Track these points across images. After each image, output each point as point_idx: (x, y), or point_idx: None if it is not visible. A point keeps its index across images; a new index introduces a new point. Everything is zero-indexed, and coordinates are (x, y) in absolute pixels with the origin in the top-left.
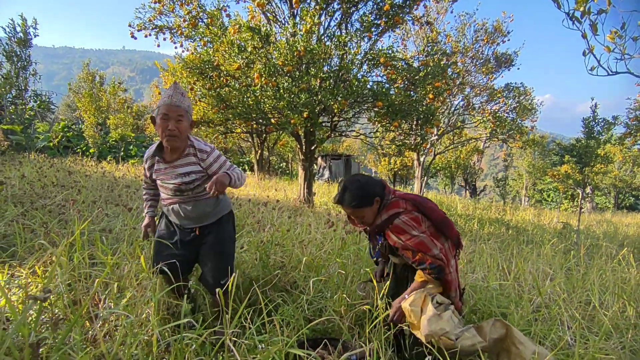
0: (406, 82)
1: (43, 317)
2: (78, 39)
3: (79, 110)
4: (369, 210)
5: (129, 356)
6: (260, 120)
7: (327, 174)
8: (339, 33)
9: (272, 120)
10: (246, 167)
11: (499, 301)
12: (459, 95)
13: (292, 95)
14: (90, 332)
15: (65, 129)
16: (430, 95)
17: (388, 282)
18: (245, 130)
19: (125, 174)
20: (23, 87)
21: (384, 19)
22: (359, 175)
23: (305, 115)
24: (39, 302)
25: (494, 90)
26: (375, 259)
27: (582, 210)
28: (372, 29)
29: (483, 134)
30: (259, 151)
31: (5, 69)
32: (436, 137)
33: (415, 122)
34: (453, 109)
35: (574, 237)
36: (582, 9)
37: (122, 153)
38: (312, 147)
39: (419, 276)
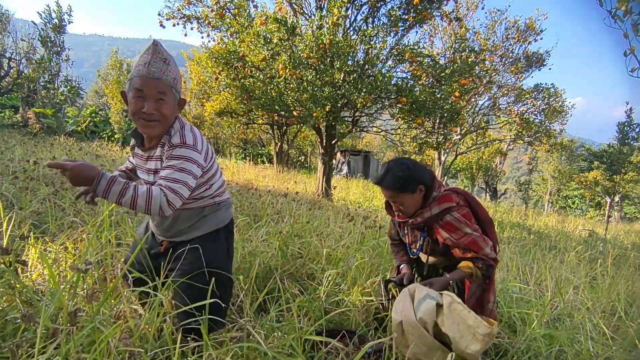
0: (431, 79)
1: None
2: (107, 28)
3: (106, 97)
4: (410, 197)
5: (154, 331)
6: (283, 113)
7: (345, 169)
8: (365, 27)
9: (294, 113)
10: (265, 159)
11: (519, 305)
12: (485, 95)
13: (316, 88)
14: (115, 309)
15: (93, 114)
16: (456, 94)
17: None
18: (266, 121)
19: None
20: (55, 72)
21: (412, 14)
22: (406, 159)
23: (327, 109)
24: (76, 274)
25: (523, 90)
26: (415, 256)
27: (610, 219)
28: (399, 24)
29: (508, 135)
30: (279, 143)
31: (39, 53)
32: (459, 136)
33: (438, 120)
34: (478, 108)
35: (600, 246)
36: (623, 8)
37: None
38: (333, 142)
39: (466, 266)
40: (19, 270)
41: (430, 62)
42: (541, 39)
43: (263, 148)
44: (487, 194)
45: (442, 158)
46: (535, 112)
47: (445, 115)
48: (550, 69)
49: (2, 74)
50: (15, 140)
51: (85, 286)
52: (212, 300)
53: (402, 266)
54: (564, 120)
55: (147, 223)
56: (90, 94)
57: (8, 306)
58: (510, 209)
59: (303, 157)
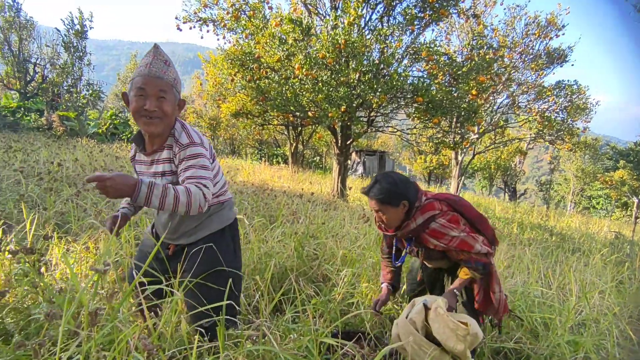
0: (448, 78)
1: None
2: (126, 32)
3: None
4: (393, 210)
5: (171, 332)
6: (298, 113)
7: (360, 169)
8: (380, 26)
9: (310, 114)
10: (280, 160)
11: (541, 309)
12: (504, 93)
13: (331, 89)
14: (133, 308)
15: (113, 117)
16: (474, 92)
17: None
18: (281, 122)
19: None
20: (78, 76)
21: (428, 12)
22: (394, 173)
23: (342, 109)
24: (97, 274)
25: (544, 88)
26: (399, 264)
27: (638, 220)
28: (415, 22)
29: (527, 134)
30: (294, 144)
31: (63, 59)
32: (477, 135)
33: (455, 120)
34: (496, 106)
35: (627, 248)
36: None
37: None
38: (348, 142)
39: (464, 273)
40: (43, 269)
41: (447, 60)
42: (563, 34)
43: (278, 149)
44: (506, 193)
45: (459, 158)
46: (557, 110)
47: (463, 114)
48: (572, 65)
49: (28, 79)
50: (40, 142)
51: (105, 286)
52: (228, 301)
53: (382, 285)
54: (587, 117)
55: (152, 227)
56: (111, 96)
57: (32, 304)
58: (530, 210)
59: (318, 157)
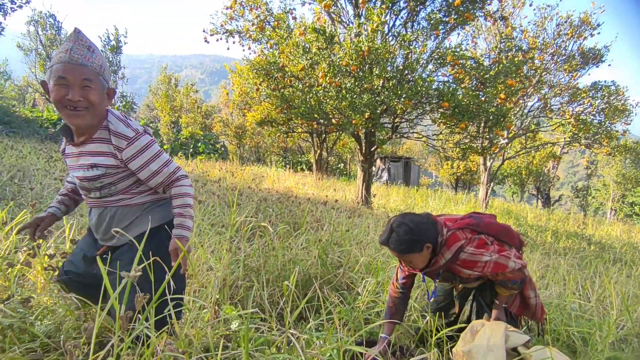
0: (475, 82)
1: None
2: (157, 46)
3: (156, 110)
4: (417, 255)
5: (198, 337)
6: (322, 121)
7: (385, 176)
8: (404, 32)
9: (334, 121)
10: (304, 167)
11: (579, 323)
12: (535, 96)
13: (355, 96)
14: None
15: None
16: (502, 95)
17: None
18: (305, 130)
19: (194, 169)
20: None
21: (453, 16)
22: (409, 216)
23: (366, 116)
24: (127, 279)
25: (578, 89)
26: (432, 299)
27: None
28: (440, 27)
29: (561, 138)
30: (318, 151)
31: None
32: (506, 140)
33: (483, 124)
34: (527, 110)
35: None
36: None
37: (191, 150)
38: (372, 149)
39: (503, 291)
40: None
41: (474, 64)
42: (598, 33)
43: (303, 156)
44: (539, 200)
45: (488, 163)
46: (594, 112)
47: (491, 118)
48: (609, 65)
49: None
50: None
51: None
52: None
53: (381, 337)
54: (627, 120)
55: (89, 228)
56: (143, 107)
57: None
58: (566, 217)
59: (342, 164)
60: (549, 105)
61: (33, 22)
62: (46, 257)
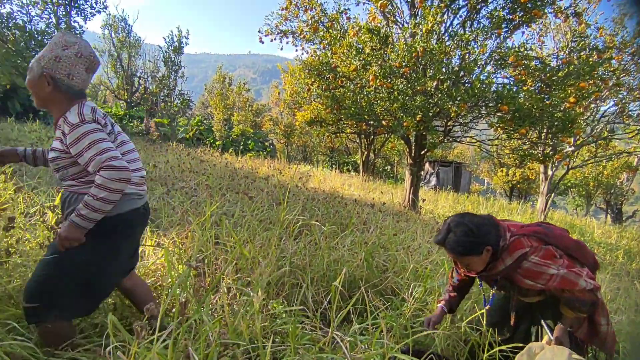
0: (539, 84)
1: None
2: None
3: (210, 108)
4: (476, 259)
5: (247, 331)
6: (372, 122)
7: (434, 180)
8: (462, 31)
9: (384, 122)
10: (350, 168)
11: None
12: (610, 100)
13: (406, 97)
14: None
15: (199, 124)
16: (572, 99)
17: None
18: (354, 131)
19: (244, 166)
20: (172, 87)
21: (518, 13)
22: (468, 217)
23: (418, 118)
24: (187, 269)
25: None
26: (489, 306)
27: None
28: (503, 25)
29: (639, 147)
30: (366, 152)
31: (161, 72)
32: (572, 148)
33: (546, 130)
34: (600, 115)
35: None
36: None
37: (241, 147)
38: (422, 152)
39: (570, 313)
40: (140, 257)
41: (539, 65)
42: None
43: (349, 156)
44: (609, 215)
45: (550, 172)
46: None
47: (556, 124)
48: None
49: (133, 90)
50: (140, 146)
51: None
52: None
53: (438, 305)
54: None
55: None
56: (198, 105)
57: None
58: None
59: (389, 166)
60: (626, 110)
61: (107, 25)
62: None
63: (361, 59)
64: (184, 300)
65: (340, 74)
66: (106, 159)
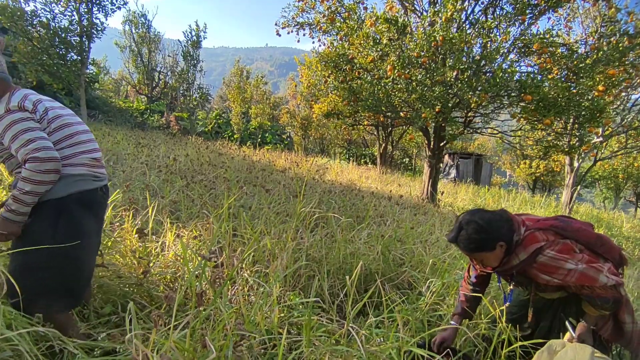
0: (566, 72)
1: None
2: (231, 39)
3: (229, 101)
4: (489, 254)
5: (263, 322)
6: (389, 114)
7: (453, 172)
8: (483, 19)
9: (402, 114)
10: (368, 160)
11: None
12: None
13: (425, 88)
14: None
15: (217, 117)
16: (600, 87)
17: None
18: (371, 123)
19: (261, 159)
20: (192, 82)
21: None
22: (479, 213)
23: (437, 110)
24: (204, 261)
25: None
26: (509, 303)
27: None
28: (527, 11)
29: None
30: (383, 145)
31: (180, 67)
32: (601, 138)
33: (573, 120)
34: (630, 104)
35: None
36: None
37: (259, 139)
38: (441, 144)
39: (592, 311)
40: (159, 249)
41: (565, 52)
42: None
43: (367, 149)
44: (639, 208)
45: (576, 164)
46: None
47: (583, 113)
48: None
49: (154, 85)
50: (160, 139)
51: (209, 271)
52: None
53: (451, 322)
54: None
55: None
56: (216, 99)
57: (159, 280)
58: None
59: (407, 158)
60: None
61: (128, 21)
62: (134, 232)
63: (378, 49)
64: (200, 291)
65: (358, 65)
66: (30, 150)
